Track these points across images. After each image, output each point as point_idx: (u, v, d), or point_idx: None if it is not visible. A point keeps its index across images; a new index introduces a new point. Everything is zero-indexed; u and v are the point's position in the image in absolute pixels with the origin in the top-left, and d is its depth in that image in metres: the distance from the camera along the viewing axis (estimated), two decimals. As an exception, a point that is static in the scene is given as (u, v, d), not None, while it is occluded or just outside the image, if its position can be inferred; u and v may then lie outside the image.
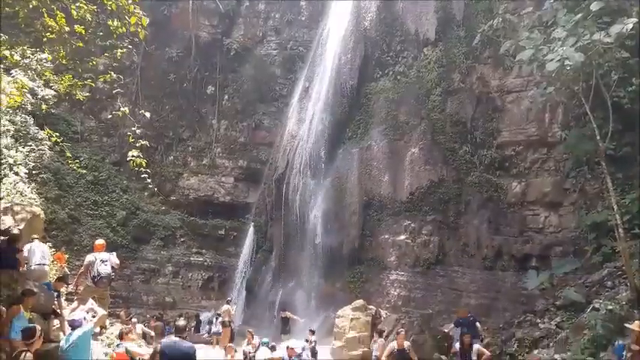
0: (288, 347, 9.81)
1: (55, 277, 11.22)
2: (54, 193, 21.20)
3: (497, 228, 18.44)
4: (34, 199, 15.60)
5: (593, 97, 13.22)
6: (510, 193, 18.38)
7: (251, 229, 25.70)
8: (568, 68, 12.10)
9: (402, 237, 20.63)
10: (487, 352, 10.16)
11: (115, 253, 11.21)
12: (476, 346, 9.91)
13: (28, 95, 14.37)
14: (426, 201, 20.24)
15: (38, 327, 6.95)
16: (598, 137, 12.93)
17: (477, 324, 12.85)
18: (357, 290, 20.68)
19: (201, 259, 25.38)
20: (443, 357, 11.67)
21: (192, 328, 20.87)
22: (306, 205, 23.28)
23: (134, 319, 16.69)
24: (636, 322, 9.33)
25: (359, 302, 17.57)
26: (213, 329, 18.74)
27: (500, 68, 19.12)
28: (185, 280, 24.81)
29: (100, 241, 11.20)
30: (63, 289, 13.30)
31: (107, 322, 11.36)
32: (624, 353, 9.61)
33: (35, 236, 11.72)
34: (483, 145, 19.41)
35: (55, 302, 10.50)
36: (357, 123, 23.31)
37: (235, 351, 13.41)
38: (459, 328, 12.63)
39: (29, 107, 17.94)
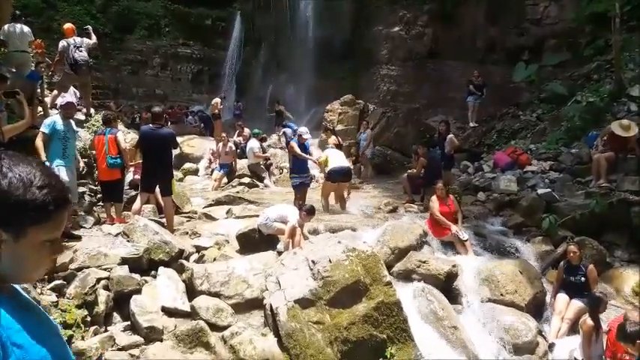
0: (299, 135, 9.39)
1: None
2: (18, -26, 19.47)
3: (494, 19, 17.52)
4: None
5: None
6: (514, -20, 16.99)
7: (238, 19, 24.39)
8: None
9: (396, 28, 19.77)
10: (456, 141, 10.43)
11: (89, 27, 10.66)
12: (449, 136, 10.19)
13: None
14: (425, -12, 18.85)
15: None
16: None
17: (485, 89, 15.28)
18: (348, 86, 20.58)
19: (189, 50, 24.60)
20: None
21: (185, 120, 21.37)
22: (296, -10, 21.72)
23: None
24: (615, 122, 9.37)
25: (348, 97, 17.54)
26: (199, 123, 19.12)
27: None
28: (174, 73, 24.44)
29: (68, 25, 10.55)
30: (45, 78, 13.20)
31: (93, 111, 11.41)
32: (595, 143, 9.92)
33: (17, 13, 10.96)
34: None
35: (38, 89, 10.40)
36: None
37: (228, 141, 13.84)
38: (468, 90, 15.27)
39: None
